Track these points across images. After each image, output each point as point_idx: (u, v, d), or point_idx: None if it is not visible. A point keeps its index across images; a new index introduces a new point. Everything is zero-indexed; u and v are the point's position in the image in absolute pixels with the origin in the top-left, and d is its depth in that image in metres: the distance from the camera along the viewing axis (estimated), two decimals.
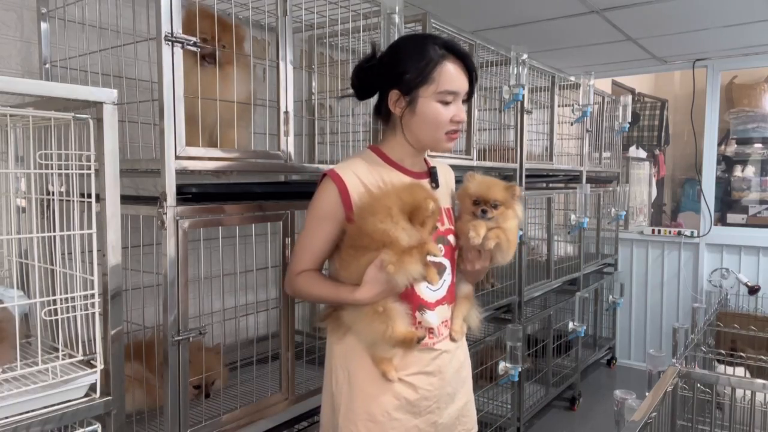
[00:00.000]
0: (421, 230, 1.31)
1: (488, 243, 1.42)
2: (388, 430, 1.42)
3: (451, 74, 1.38)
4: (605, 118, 4.16)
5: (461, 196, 1.51)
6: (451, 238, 1.49)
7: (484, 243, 1.42)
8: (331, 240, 1.41)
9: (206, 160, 1.51)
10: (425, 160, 1.57)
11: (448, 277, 1.49)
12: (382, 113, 1.48)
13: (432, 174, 1.52)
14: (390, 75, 1.41)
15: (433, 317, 1.43)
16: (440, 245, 1.45)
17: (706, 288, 4.19)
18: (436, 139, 1.42)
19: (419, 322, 1.42)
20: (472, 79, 1.43)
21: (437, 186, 1.52)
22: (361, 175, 1.40)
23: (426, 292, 1.44)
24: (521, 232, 2.72)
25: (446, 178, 1.60)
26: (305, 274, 1.43)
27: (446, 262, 1.48)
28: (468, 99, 1.47)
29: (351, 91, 1.51)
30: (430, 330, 1.44)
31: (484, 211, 1.45)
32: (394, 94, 1.41)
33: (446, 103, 1.38)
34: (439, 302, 1.47)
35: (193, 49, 1.41)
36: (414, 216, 1.30)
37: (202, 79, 1.52)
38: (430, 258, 1.35)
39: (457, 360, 1.53)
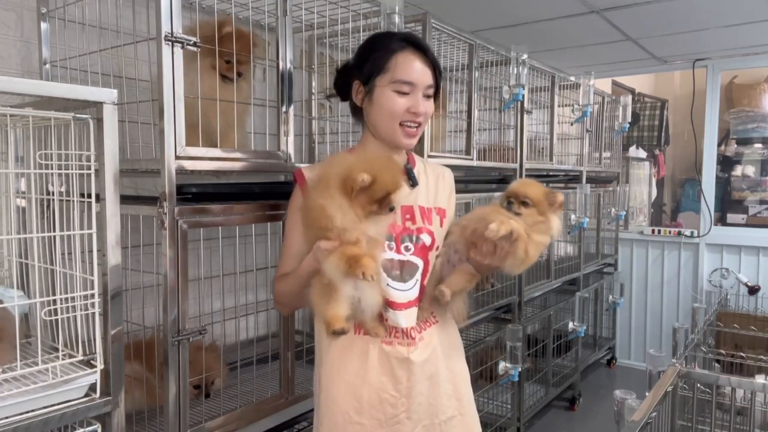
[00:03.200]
0: (358, 210, 1.16)
1: (502, 229, 1.25)
2: None
3: (407, 64, 1.36)
4: (605, 118, 4.16)
5: (503, 198, 1.40)
6: (424, 236, 1.42)
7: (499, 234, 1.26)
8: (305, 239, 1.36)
9: (206, 160, 1.51)
10: (410, 159, 1.51)
11: (420, 276, 1.42)
12: (354, 112, 1.49)
13: (408, 171, 1.46)
14: (354, 68, 1.43)
15: (400, 318, 1.37)
16: (408, 243, 1.40)
17: (706, 288, 4.19)
18: (391, 130, 1.38)
19: (386, 319, 1.38)
20: (436, 74, 1.39)
21: (414, 184, 1.46)
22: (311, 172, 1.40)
23: (392, 291, 1.37)
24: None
25: (435, 178, 1.53)
26: (279, 277, 1.41)
27: (418, 261, 1.41)
28: (435, 96, 1.42)
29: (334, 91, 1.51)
30: (396, 331, 1.38)
31: (510, 203, 1.33)
32: (356, 85, 1.42)
33: (403, 94, 1.36)
34: (410, 304, 1.40)
35: (193, 49, 1.42)
36: (344, 187, 1.15)
37: (222, 91, 1.60)
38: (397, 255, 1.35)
39: (434, 366, 1.42)
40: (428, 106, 1.40)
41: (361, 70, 1.40)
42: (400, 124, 1.38)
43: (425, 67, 1.38)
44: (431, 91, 1.40)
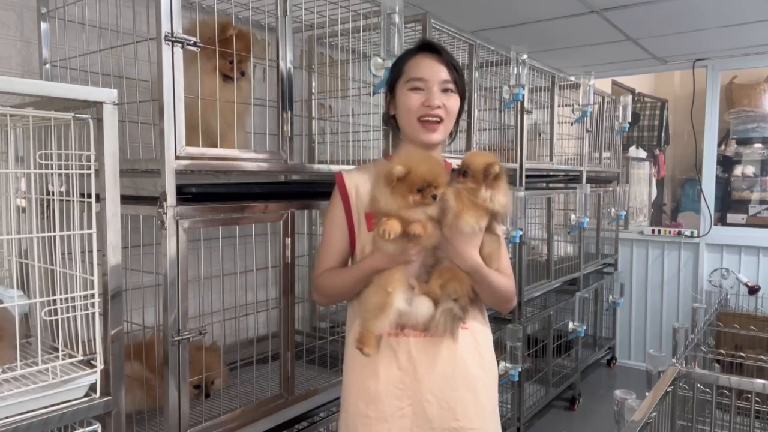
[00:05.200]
0: (399, 198, 1.27)
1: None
2: (359, 427, 1.40)
3: (419, 64, 1.44)
4: (605, 118, 4.16)
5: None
6: None
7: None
8: (346, 238, 1.46)
9: (206, 160, 1.51)
10: (447, 169, 1.50)
11: None
12: (392, 126, 1.55)
13: None
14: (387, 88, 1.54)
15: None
16: None
17: (706, 288, 4.19)
18: (411, 126, 1.44)
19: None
20: (452, 71, 1.44)
21: None
22: (362, 180, 1.46)
23: None
24: (519, 232, 2.71)
25: None
26: (326, 271, 1.45)
27: None
28: (462, 96, 1.47)
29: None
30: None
31: (458, 173, 1.35)
32: (387, 98, 1.54)
33: (417, 90, 1.42)
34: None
35: (193, 49, 1.42)
36: (387, 180, 1.28)
37: (223, 92, 1.62)
38: None
39: (449, 367, 1.39)
40: (446, 100, 1.44)
41: (388, 85, 1.52)
42: (419, 120, 1.43)
43: (438, 64, 1.44)
44: (449, 86, 1.45)
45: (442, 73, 1.43)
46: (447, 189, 1.32)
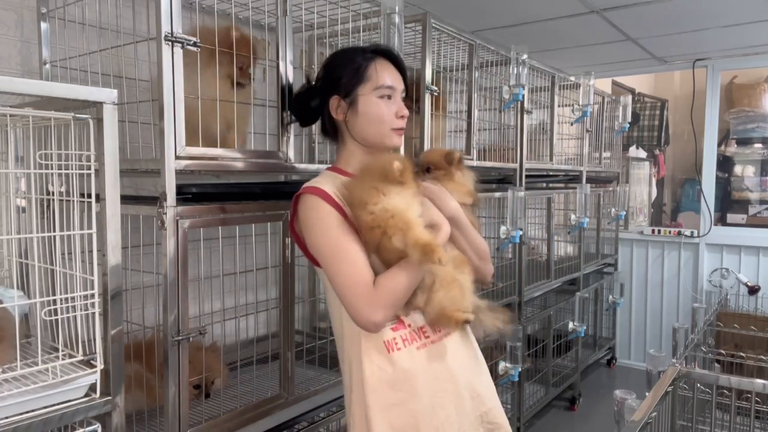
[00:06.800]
0: (408, 188, 1.30)
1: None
2: None
3: (386, 71, 1.42)
4: (605, 118, 4.16)
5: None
6: None
7: None
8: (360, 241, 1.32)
9: (206, 160, 1.51)
10: None
11: None
12: (328, 130, 1.49)
13: None
14: (327, 87, 1.44)
15: (418, 318, 1.37)
16: None
17: (706, 288, 4.19)
18: (382, 134, 1.42)
19: (408, 324, 1.36)
20: (405, 79, 1.46)
21: None
22: (335, 189, 1.37)
23: None
24: (519, 232, 2.71)
25: None
26: (378, 281, 1.29)
27: None
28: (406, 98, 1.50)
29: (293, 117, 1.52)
30: (422, 329, 1.37)
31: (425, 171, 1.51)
32: (334, 101, 1.42)
33: (386, 98, 1.41)
34: None
35: (193, 49, 1.42)
36: (389, 179, 1.26)
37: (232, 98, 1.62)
38: None
39: (471, 357, 1.45)
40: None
41: (337, 86, 1.41)
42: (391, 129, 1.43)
43: (398, 73, 1.46)
44: (404, 95, 1.47)
45: (401, 82, 1.45)
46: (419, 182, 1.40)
